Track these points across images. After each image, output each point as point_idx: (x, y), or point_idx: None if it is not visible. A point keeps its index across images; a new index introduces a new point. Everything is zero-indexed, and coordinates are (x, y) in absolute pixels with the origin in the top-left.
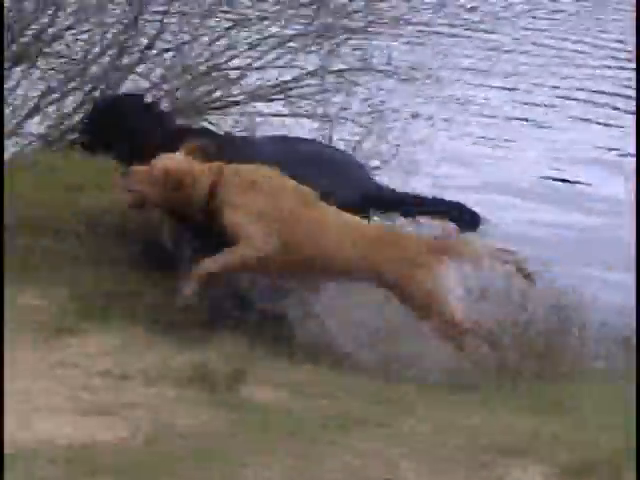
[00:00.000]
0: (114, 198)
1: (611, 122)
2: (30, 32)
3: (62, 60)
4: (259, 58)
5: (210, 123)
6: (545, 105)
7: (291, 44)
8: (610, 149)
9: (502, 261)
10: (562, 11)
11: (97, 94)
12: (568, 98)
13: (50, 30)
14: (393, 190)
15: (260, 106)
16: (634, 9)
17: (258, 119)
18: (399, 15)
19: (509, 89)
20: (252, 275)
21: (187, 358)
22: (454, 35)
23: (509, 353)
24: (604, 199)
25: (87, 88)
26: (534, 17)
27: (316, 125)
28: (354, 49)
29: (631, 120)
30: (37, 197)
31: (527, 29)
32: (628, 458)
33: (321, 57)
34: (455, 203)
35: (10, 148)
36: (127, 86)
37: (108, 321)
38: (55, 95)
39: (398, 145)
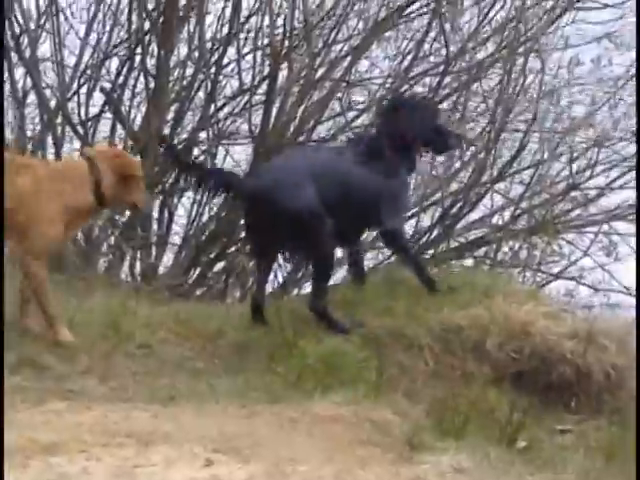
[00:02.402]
0: (473, 314)
1: None
2: None
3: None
4: (618, 178)
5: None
6: None
7: None
8: None
9: None
10: None
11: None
12: None
13: None
14: None
15: (617, 226)
16: None
17: (615, 238)
18: None
19: None
20: None
21: None
22: None
23: None
24: None
25: (446, 205)
26: None
27: None
28: None
29: None
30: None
31: None
32: None
33: None
34: None
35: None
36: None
37: (464, 439)
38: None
39: None
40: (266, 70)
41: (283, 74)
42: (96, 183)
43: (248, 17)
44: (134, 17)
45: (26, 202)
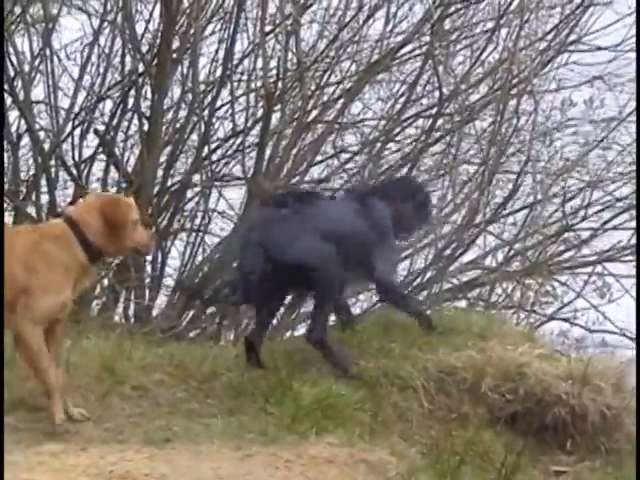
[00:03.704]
0: (468, 356)
1: None
2: None
3: None
4: (611, 219)
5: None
6: None
7: None
8: None
9: None
10: None
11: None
12: None
13: None
14: None
15: (610, 267)
16: None
17: (609, 279)
18: None
19: None
20: None
21: None
22: None
23: None
24: None
25: (439, 246)
26: None
27: None
28: None
29: None
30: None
31: None
32: None
33: None
34: None
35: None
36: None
37: None
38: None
39: None
40: (259, 112)
41: (276, 116)
42: (81, 239)
43: (241, 59)
44: (127, 59)
45: (22, 272)
